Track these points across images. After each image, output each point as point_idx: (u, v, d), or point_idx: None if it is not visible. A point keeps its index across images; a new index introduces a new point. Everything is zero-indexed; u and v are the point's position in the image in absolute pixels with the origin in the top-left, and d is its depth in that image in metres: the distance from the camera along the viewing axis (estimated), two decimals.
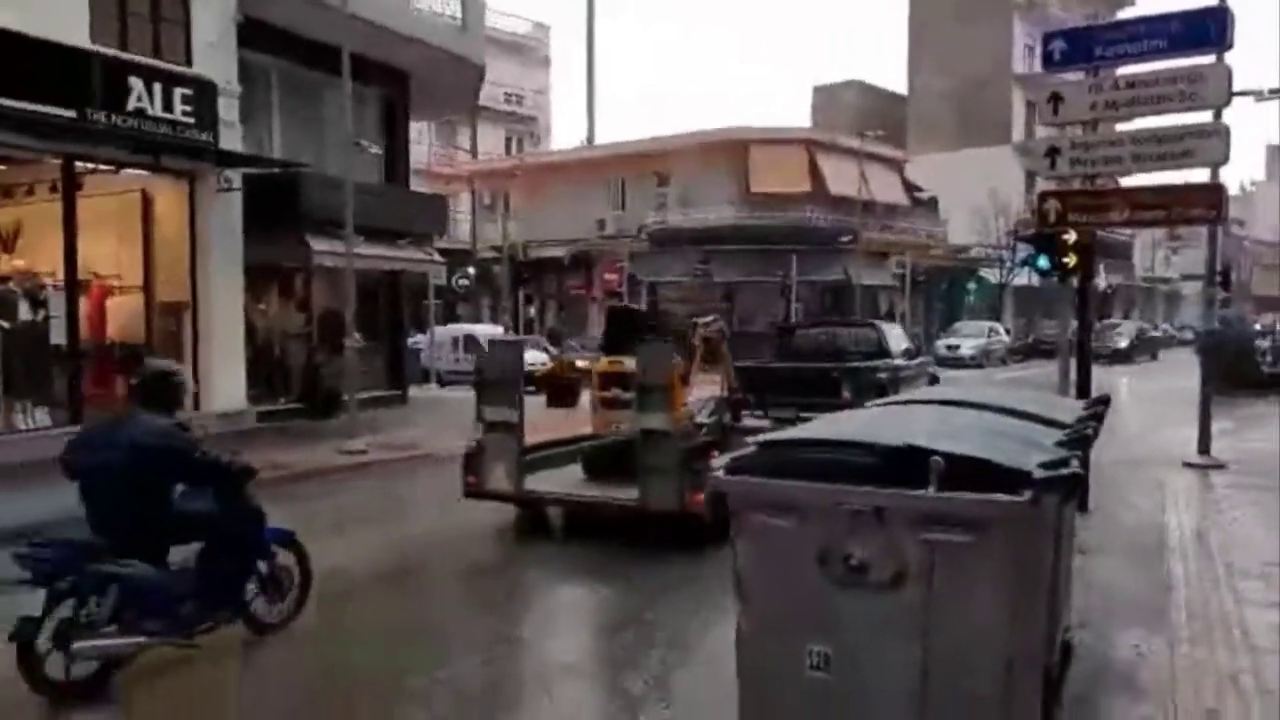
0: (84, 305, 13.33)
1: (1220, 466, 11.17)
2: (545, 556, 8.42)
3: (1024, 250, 29.57)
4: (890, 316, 33.82)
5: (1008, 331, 39.03)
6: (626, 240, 36.00)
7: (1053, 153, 10.84)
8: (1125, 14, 43.93)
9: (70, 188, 12.55)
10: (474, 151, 42.78)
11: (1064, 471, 3.54)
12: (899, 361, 16.04)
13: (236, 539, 5.54)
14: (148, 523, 5.18)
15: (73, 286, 12.59)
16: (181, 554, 5.43)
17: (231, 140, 14.07)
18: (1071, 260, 10.44)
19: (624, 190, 38.39)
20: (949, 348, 33.59)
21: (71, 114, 11.85)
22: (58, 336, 12.33)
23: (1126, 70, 10.89)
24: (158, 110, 12.84)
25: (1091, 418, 4.80)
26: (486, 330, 27.51)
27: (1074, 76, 11.37)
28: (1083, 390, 9.75)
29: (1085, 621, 5.64)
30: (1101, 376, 17.04)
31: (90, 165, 12.88)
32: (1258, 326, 28.45)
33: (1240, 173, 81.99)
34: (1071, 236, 10.44)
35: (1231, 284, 25.90)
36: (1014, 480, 3.39)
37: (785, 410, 10.90)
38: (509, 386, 8.92)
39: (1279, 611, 5.93)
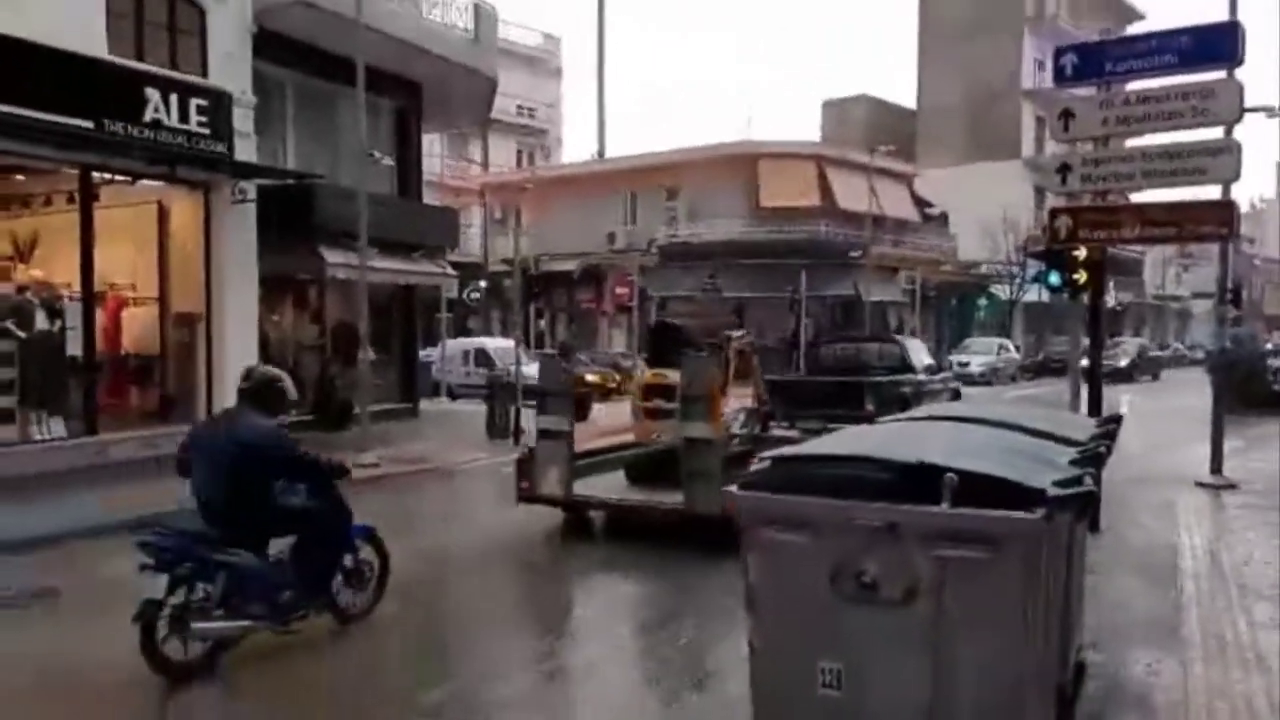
0: (100, 316, 13.39)
1: (1232, 486, 11.11)
2: (593, 558, 8.91)
3: (1034, 266, 29.55)
4: (900, 332, 33.75)
5: (1018, 348, 38.89)
6: (637, 254, 36.06)
7: (1064, 168, 10.84)
8: (1136, 29, 43.96)
9: (87, 198, 12.62)
10: (485, 164, 42.94)
11: (1078, 489, 3.55)
12: (922, 376, 16.51)
13: (327, 533, 6.00)
14: (252, 516, 5.63)
15: (89, 297, 12.65)
16: (278, 546, 5.84)
17: (246, 151, 14.16)
18: (1082, 277, 10.43)
19: (634, 204, 38.48)
20: (959, 364, 33.42)
21: (89, 125, 11.93)
22: (74, 347, 12.37)
23: (1138, 85, 10.89)
24: (174, 121, 12.92)
25: (1104, 436, 4.80)
26: (498, 344, 27.54)
27: (1085, 92, 11.38)
28: (1094, 408, 9.72)
29: (1098, 641, 5.62)
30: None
31: (107, 176, 12.96)
32: (1269, 345, 28.31)
33: (1251, 189, 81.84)
34: (1082, 253, 10.44)
35: (1243, 302, 25.81)
36: (1027, 497, 3.40)
37: (812, 422, 11.23)
38: (561, 397, 9.35)
39: None
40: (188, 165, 13.43)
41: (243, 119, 14.07)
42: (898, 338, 20.50)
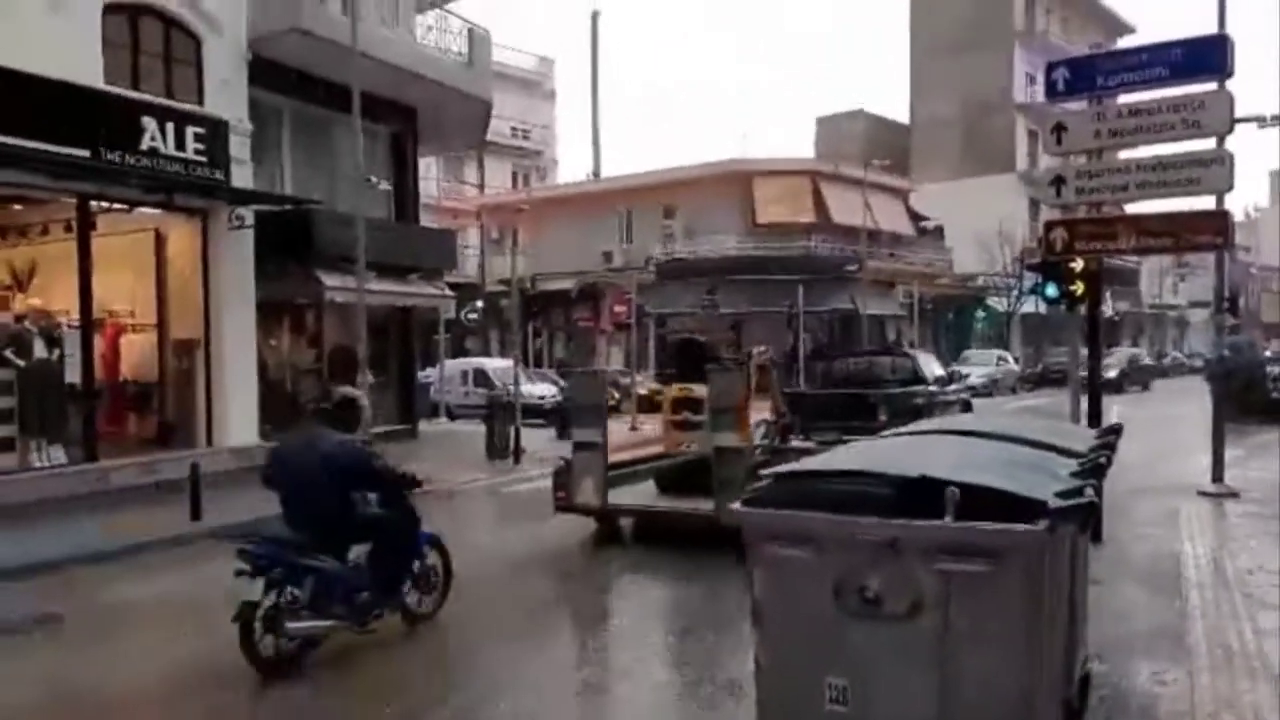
0: (98, 343, 13.42)
1: (1234, 495, 11.10)
2: (625, 561, 9.22)
3: (1031, 278, 29.61)
4: (897, 345, 33.76)
5: (1016, 360, 38.92)
6: (634, 272, 36.13)
7: (1058, 181, 10.91)
8: (1126, 42, 44.25)
9: (85, 227, 12.66)
10: (482, 186, 43.09)
11: (1080, 500, 3.55)
12: (933, 388, 16.94)
13: (400, 540, 6.47)
14: (335, 524, 6.08)
15: (87, 325, 12.68)
16: (355, 552, 6.27)
17: (243, 178, 14.21)
18: (1079, 288, 10.47)
19: (630, 222, 38.58)
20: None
21: (86, 154, 11.98)
22: (72, 375, 12.38)
23: (1129, 99, 10.96)
24: (170, 149, 12.98)
25: (1104, 447, 4.81)
26: (496, 364, 27.56)
27: (1077, 105, 11.45)
28: (1094, 419, 9.73)
29: (1103, 652, 5.60)
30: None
31: (104, 204, 13.01)
32: (1267, 353, 28.32)
33: (1245, 198, 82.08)
34: (1079, 264, 10.47)
35: (1240, 310, 25.85)
36: (1029, 510, 3.40)
37: (828, 434, 11.52)
38: (594, 411, 9.78)
39: None
40: (185, 193, 13.48)
41: (239, 146, 14.14)
42: (909, 351, 21.04)
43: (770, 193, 35.51)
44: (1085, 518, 3.93)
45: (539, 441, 17.95)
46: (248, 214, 14.25)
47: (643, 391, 22.74)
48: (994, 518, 3.38)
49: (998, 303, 42.89)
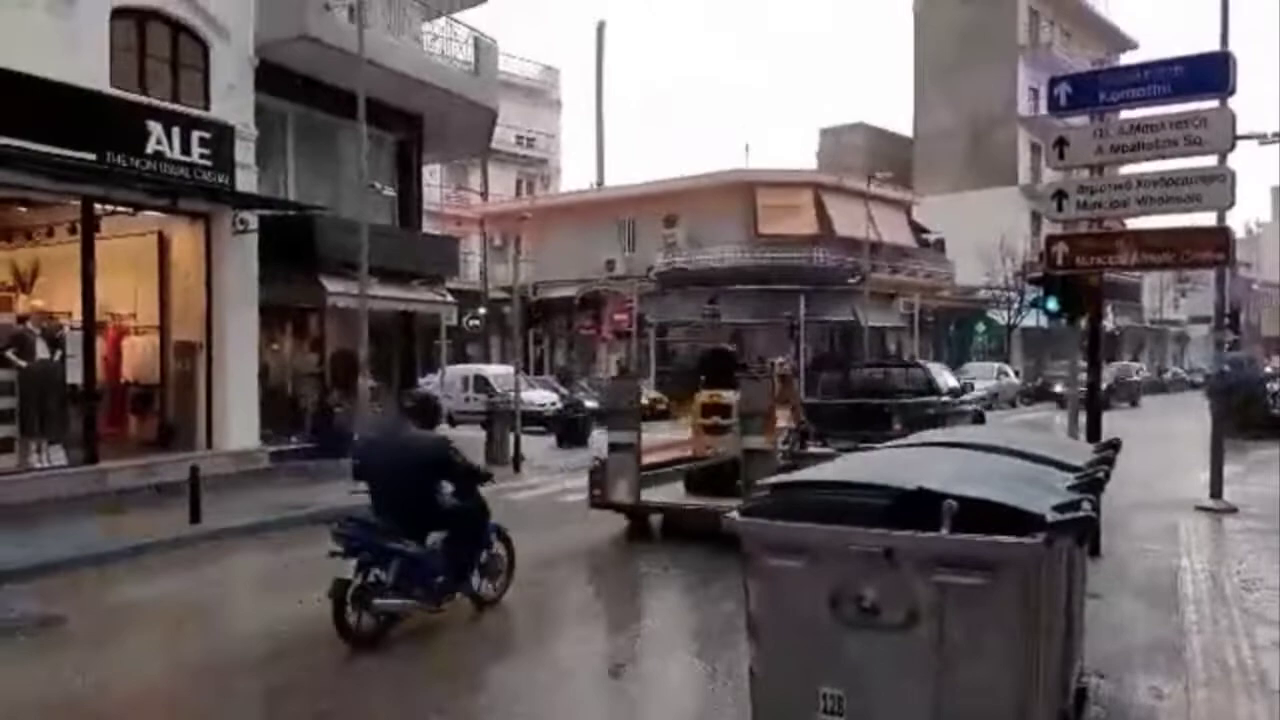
0: (100, 345, 13.45)
1: (1233, 510, 11.10)
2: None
3: (1032, 291, 29.64)
4: (898, 357, 33.81)
5: (1016, 373, 38.91)
6: (635, 281, 36.22)
7: (1060, 195, 10.94)
8: (1129, 58, 44.38)
9: (89, 229, 12.70)
10: (485, 194, 43.19)
11: (1077, 514, 3.57)
12: (946, 398, 17.59)
13: (472, 529, 7.01)
14: (417, 512, 6.61)
15: (90, 327, 12.70)
16: (431, 539, 6.74)
17: (248, 182, 14.26)
18: (1080, 302, 10.49)
19: (633, 231, 38.67)
20: None
21: (91, 157, 12.02)
22: (74, 376, 12.40)
23: (1131, 114, 11.00)
24: (175, 153, 13.02)
25: (1102, 461, 4.82)
26: (497, 370, 27.56)
27: (1079, 120, 11.49)
28: (1093, 433, 9.74)
29: (1101, 666, 5.61)
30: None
31: (109, 207, 13.05)
32: (1268, 369, 28.32)
33: (1246, 214, 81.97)
34: (1080, 278, 10.49)
35: (1240, 326, 25.85)
36: (1026, 523, 3.42)
37: (844, 441, 11.86)
38: (629, 415, 10.49)
39: None
40: (189, 197, 13.52)
41: (244, 151, 14.18)
42: (923, 362, 21.81)
43: (773, 203, 35.58)
44: (1082, 532, 3.94)
45: (539, 449, 17.97)
46: (251, 218, 14.30)
47: (643, 400, 22.74)
48: (991, 530, 3.40)
49: (998, 315, 42.91)
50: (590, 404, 24.61)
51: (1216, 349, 12.90)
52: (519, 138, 44.42)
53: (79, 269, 12.60)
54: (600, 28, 49.04)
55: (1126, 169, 12.91)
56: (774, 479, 4.21)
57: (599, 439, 17.86)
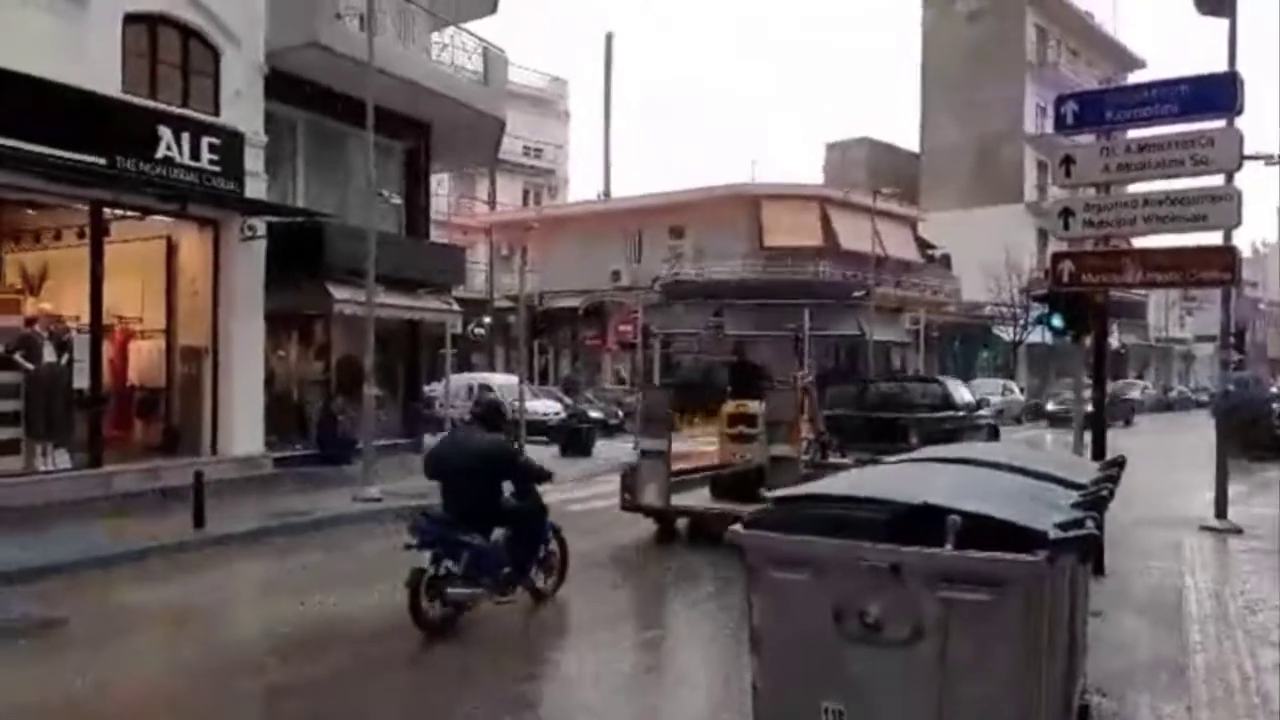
0: (107, 349, 13.49)
1: (1237, 531, 11.07)
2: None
3: (1038, 308, 29.61)
4: (903, 372, 33.78)
5: (1022, 390, 38.83)
6: (641, 292, 36.28)
7: (1066, 213, 10.93)
8: (1136, 77, 44.47)
9: (97, 233, 12.76)
10: (492, 203, 43.28)
11: (1080, 532, 3.57)
12: (962, 413, 18.17)
13: (534, 527, 7.52)
14: (484, 509, 7.14)
15: (97, 330, 12.75)
16: (495, 534, 7.19)
17: (256, 189, 14.32)
18: (1085, 320, 10.48)
19: (640, 243, 38.74)
20: None
21: (101, 161, 12.09)
22: (81, 379, 12.43)
23: (1138, 133, 11.01)
24: (185, 159, 13.09)
25: (1106, 479, 4.82)
26: (502, 379, 27.55)
27: (1086, 138, 11.50)
28: (1098, 452, 9.72)
29: (1103, 684, 5.59)
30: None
31: (118, 211, 13.12)
32: (1273, 389, 28.24)
33: (1252, 234, 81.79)
34: (1086, 296, 10.49)
35: (1246, 346, 25.78)
36: (1030, 540, 3.42)
37: (863, 453, 12.42)
38: (661, 423, 11.08)
39: None
40: (198, 202, 13.58)
41: (254, 158, 14.25)
42: (940, 378, 22.46)
43: (779, 217, 35.64)
44: (1086, 549, 3.94)
45: (542, 459, 17.91)
46: (260, 225, 14.34)
47: None
48: (995, 547, 3.40)
49: (1004, 332, 42.87)
50: (595, 414, 24.58)
51: (1222, 369, 12.87)
52: (526, 148, 44.51)
53: (87, 272, 12.66)
54: (608, 40, 49.07)
55: (1133, 187, 12.91)
56: (777, 492, 4.21)
57: (603, 449, 17.90)
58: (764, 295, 33.81)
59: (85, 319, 12.71)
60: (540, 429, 21.70)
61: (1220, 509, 11.43)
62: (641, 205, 38.70)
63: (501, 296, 36.99)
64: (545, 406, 24.93)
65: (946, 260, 42.50)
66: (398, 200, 18.31)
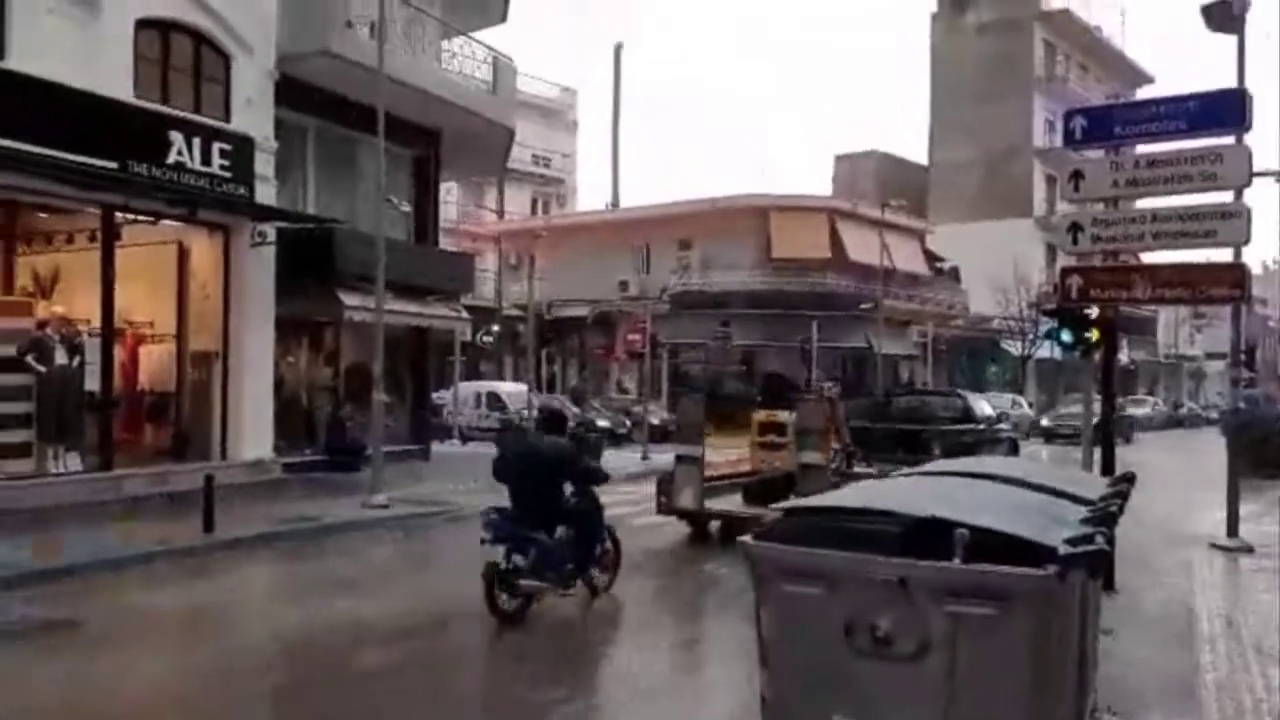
0: (118, 353, 13.54)
1: (1249, 549, 11.00)
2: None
3: (1046, 323, 29.56)
4: (910, 385, 33.70)
5: (1030, 405, 38.70)
6: (649, 302, 36.28)
7: (1075, 228, 10.93)
8: (1144, 93, 44.42)
9: (109, 237, 12.83)
10: (501, 212, 43.39)
11: (1090, 547, 3.55)
12: (982, 426, 18.64)
13: (593, 525, 8.00)
14: (548, 507, 7.59)
15: (108, 334, 12.81)
16: (558, 532, 7.61)
17: (267, 195, 14.38)
18: (1094, 335, 10.46)
19: (648, 253, 38.77)
20: None
21: (113, 165, 12.16)
22: (92, 383, 12.49)
23: (1147, 149, 11.00)
24: (196, 164, 13.16)
25: (1116, 495, 4.80)
26: (510, 388, 27.61)
27: (1095, 153, 11.50)
28: (1107, 467, 9.68)
29: (1113, 701, 5.56)
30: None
31: (129, 216, 13.16)
32: None
33: (1264, 251, 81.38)
34: (1094, 311, 10.47)
35: (1256, 363, 25.68)
36: (1040, 555, 3.40)
37: (886, 464, 12.39)
38: (695, 430, 11.61)
39: None
40: (209, 207, 13.65)
41: (264, 163, 14.32)
42: (961, 392, 22.89)
43: (787, 228, 35.64)
44: (1095, 565, 3.92)
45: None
46: (270, 231, 14.40)
47: (655, 421, 22.78)
48: (1004, 561, 3.39)
49: (1012, 346, 42.76)
50: (602, 423, 24.55)
51: (1232, 386, 12.80)
52: (535, 157, 44.64)
53: (99, 276, 12.73)
54: (617, 51, 49.25)
55: (1142, 203, 12.89)
56: (785, 504, 4.21)
57: (610, 458, 17.83)
58: (772, 306, 33.81)
59: (96, 323, 12.79)
60: None
61: (1231, 527, 11.35)
62: (650, 216, 38.77)
63: (510, 305, 37.07)
64: None
65: (955, 273, 42.43)
66: (407, 207, 18.38)
